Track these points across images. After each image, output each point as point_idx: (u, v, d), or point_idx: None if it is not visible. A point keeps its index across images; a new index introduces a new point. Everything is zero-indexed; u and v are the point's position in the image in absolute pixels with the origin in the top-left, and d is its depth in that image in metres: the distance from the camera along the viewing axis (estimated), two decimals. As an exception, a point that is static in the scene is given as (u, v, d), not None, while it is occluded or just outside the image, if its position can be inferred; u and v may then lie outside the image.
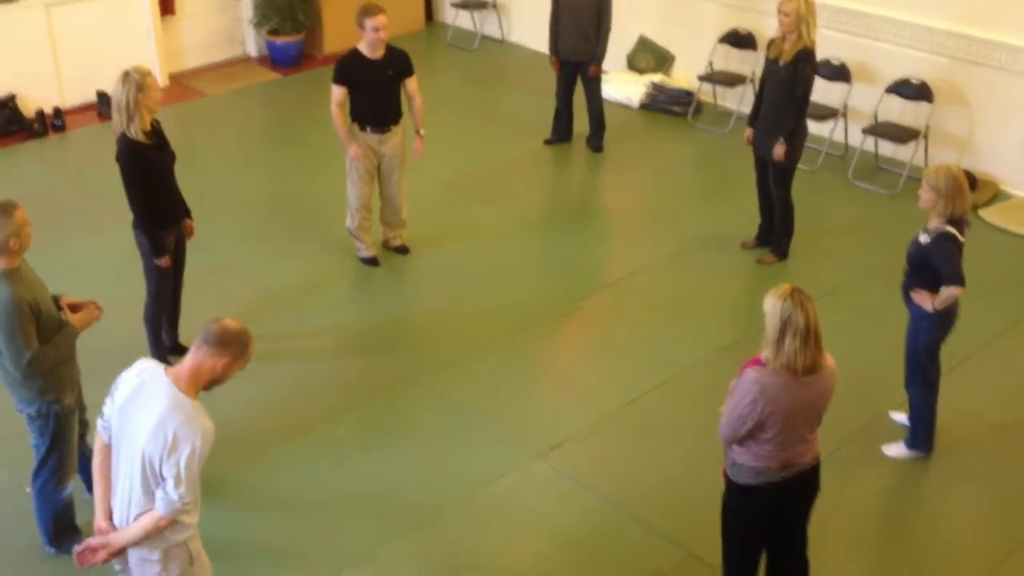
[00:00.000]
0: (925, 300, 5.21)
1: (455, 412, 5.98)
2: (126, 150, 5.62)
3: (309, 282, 7.19)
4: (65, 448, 4.76)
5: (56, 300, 4.66)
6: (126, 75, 5.54)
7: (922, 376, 5.44)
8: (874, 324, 6.60)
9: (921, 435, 5.57)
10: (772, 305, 3.96)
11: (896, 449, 5.62)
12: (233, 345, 3.71)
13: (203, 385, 3.74)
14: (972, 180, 7.91)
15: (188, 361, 3.72)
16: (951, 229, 5.10)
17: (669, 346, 6.52)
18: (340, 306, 6.98)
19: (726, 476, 4.30)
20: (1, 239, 4.35)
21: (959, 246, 5.11)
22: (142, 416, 3.67)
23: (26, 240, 4.46)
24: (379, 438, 5.78)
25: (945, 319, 5.29)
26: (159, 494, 3.67)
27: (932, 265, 5.14)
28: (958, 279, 5.08)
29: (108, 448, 3.85)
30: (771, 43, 7.02)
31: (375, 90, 6.90)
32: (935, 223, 5.16)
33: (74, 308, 4.72)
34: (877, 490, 5.47)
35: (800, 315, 3.91)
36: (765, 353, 4.02)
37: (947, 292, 5.11)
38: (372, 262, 7.36)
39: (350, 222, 7.29)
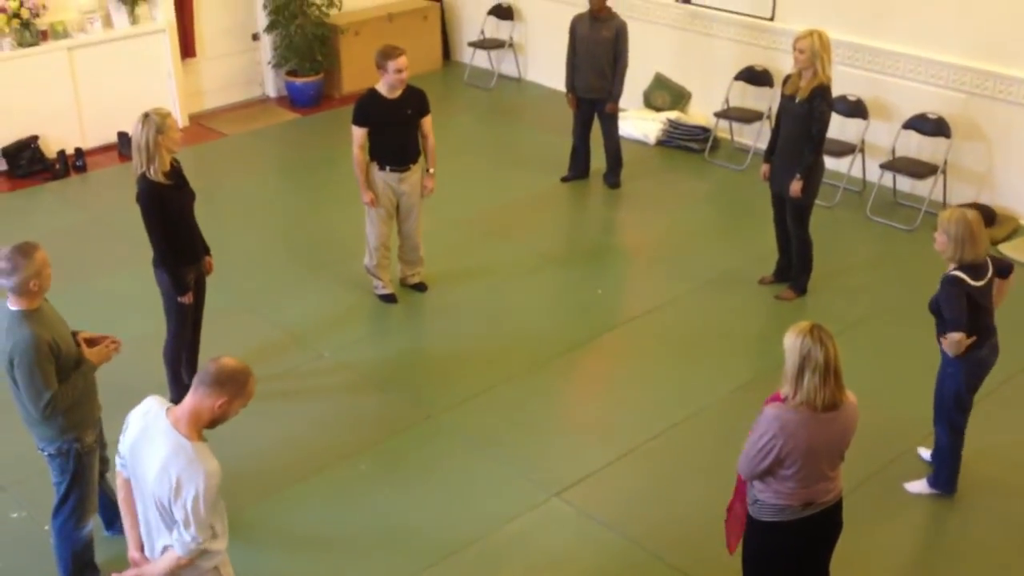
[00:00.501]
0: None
1: (473, 449, 5.96)
2: (146, 190, 5.67)
3: (327, 319, 7.20)
4: (86, 487, 4.76)
5: (73, 335, 4.68)
6: (146, 116, 5.59)
7: (948, 420, 5.38)
8: (895, 360, 6.56)
9: (944, 475, 5.51)
10: (791, 341, 3.95)
11: (918, 486, 5.57)
12: (229, 384, 3.69)
13: (205, 425, 3.74)
14: (991, 215, 7.88)
15: (187, 403, 3.72)
16: (959, 274, 5.04)
17: (688, 383, 6.50)
18: (358, 343, 6.98)
19: (747, 513, 4.27)
20: (21, 280, 4.38)
21: (965, 291, 5.02)
22: (149, 459, 3.70)
23: (46, 281, 4.48)
24: (396, 475, 5.77)
25: (973, 368, 5.21)
26: (175, 535, 3.71)
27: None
28: (958, 324, 5.00)
29: (128, 483, 3.90)
30: (787, 79, 7.04)
31: (394, 129, 6.94)
32: (949, 267, 5.13)
33: (91, 343, 4.73)
34: (899, 528, 5.40)
35: (820, 351, 3.90)
36: (785, 389, 4.00)
37: (950, 338, 5.04)
38: (390, 299, 7.38)
39: (368, 260, 7.32)
